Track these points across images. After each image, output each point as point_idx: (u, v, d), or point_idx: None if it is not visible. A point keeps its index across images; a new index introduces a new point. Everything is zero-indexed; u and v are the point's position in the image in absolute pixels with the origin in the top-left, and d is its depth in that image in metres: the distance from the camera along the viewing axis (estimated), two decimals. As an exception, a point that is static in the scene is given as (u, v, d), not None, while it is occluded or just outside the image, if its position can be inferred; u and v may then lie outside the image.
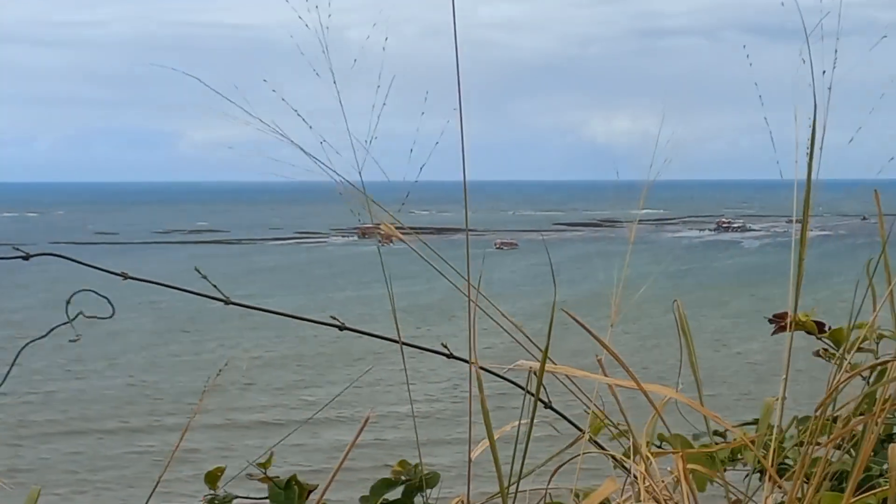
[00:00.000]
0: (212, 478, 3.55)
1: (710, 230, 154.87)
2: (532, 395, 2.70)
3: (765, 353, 49.23)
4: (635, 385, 2.63)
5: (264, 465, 3.50)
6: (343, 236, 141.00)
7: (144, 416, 43.49)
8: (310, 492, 3.47)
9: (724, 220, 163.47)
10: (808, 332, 3.80)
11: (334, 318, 3.40)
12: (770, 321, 3.87)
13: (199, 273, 3.35)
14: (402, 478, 3.56)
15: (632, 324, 55.47)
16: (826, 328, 3.83)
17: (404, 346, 3.25)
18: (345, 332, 3.21)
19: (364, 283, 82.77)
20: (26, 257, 3.11)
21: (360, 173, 3.20)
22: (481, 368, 2.84)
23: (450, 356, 3.36)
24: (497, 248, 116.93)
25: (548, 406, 3.00)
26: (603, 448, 3.00)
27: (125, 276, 3.26)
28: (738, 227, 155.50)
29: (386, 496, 3.53)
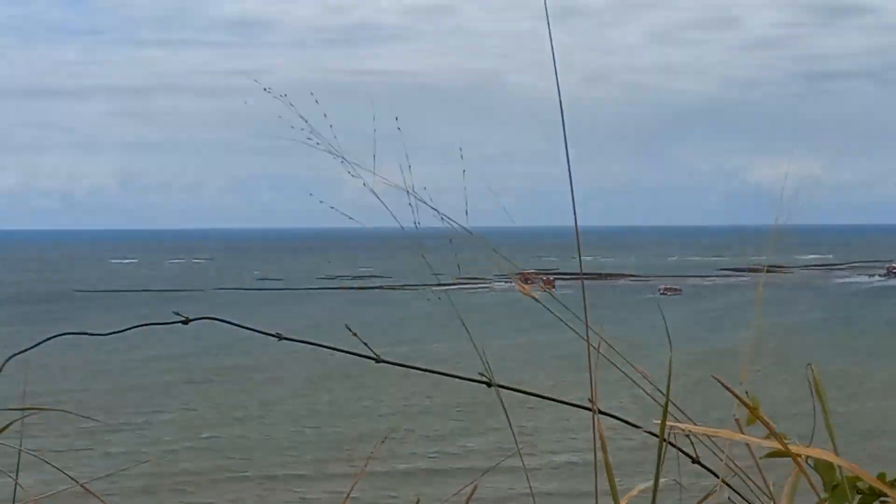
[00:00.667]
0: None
1: (879, 276, 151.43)
2: (677, 448, 2.72)
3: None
4: (778, 444, 2.53)
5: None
6: (505, 282, 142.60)
7: (309, 464, 43.71)
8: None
9: (894, 265, 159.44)
10: None
11: (482, 375, 3.37)
12: None
13: (350, 330, 3.32)
14: None
15: (790, 373, 54.72)
16: None
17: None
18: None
19: (522, 329, 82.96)
20: (186, 322, 3.16)
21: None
22: (604, 414, 2.83)
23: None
24: (661, 294, 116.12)
25: (695, 461, 2.91)
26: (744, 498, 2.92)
27: (280, 337, 3.28)
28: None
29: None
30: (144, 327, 3.31)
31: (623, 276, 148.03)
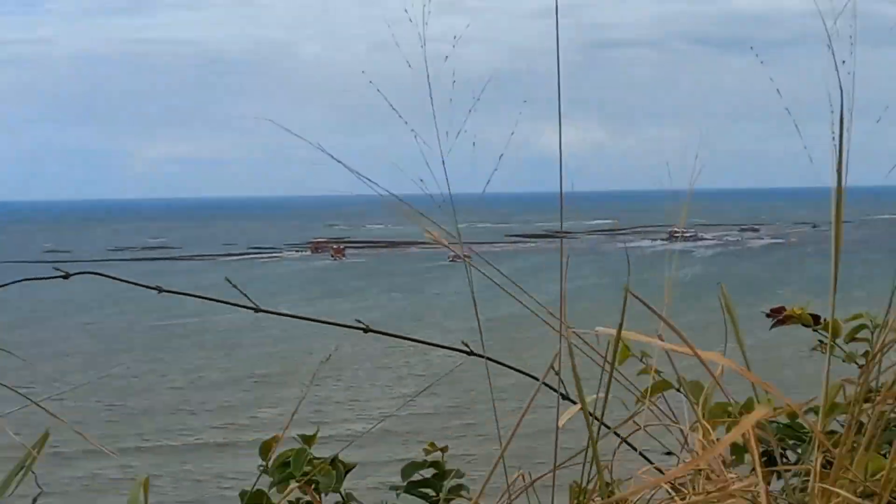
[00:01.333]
0: (266, 448, 3.56)
1: (662, 240, 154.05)
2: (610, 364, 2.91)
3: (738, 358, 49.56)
4: (691, 352, 2.71)
5: (309, 441, 3.53)
6: (296, 251, 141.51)
7: (101, 439, 42.90)
8: (348, 470, 3.54)
9: (675, 229, 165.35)
10: (805, 325, 3.91)
11: (359, 322, 3.48)
12: (767, 315, 3.98)
13: (230, 283, 3.37)
14: (429, 459, 3.65)
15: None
16: (821, 320, 3.93)
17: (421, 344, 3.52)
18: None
19: (312, 299, 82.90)
20: (66, 276, 3.17)
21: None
22: (489, 359, 3.17)
23: (470, 353, 3.51)
24: (450, 261, 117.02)
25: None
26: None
27: (160, 290, 3.30)
28: (691, 237, 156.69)
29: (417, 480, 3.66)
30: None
31: (415, 243, 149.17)
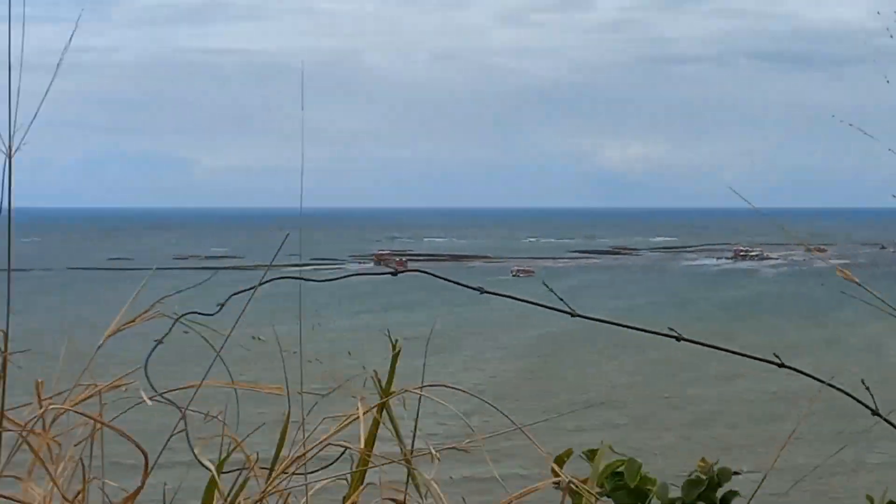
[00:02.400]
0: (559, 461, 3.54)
1: (727, 258, 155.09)
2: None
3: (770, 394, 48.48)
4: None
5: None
6: (359, 262, 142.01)
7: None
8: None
9: (741, 248, 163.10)
10: None
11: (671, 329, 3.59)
12: None
13: (546, 286, 3.50)
14: (704, 475, 3.71)
15: (636, 354, 56.43)
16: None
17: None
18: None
19: (376, 311, 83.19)
20: (395, 273, 3.38)
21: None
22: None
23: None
24: (514, 276, 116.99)
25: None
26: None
27: (482, 291, 3.36)
28: (756, 256, 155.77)
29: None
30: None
31: (477, 257, 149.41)
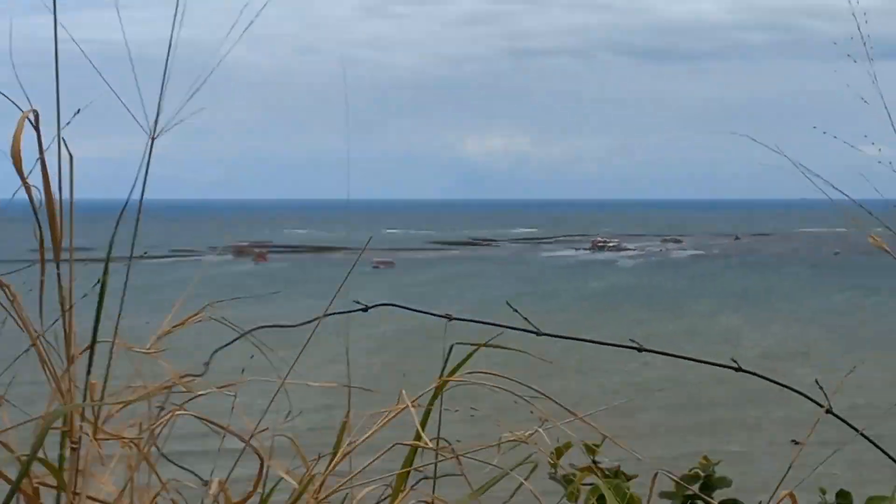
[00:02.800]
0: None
1: (585, 249, 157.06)
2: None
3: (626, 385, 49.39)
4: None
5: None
6: (218, 255, 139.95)
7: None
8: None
9: (599, 239, 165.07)
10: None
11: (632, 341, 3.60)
12: None
13: (511, 307, 3.42)
14: (702, 472, 3.79)
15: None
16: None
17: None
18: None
19: (230, 303, 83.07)
20: (365, 309, 3.29)
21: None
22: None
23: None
24: (374, 268, 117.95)
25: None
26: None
27: (449, 318, 3.31)
28: (613, 247, 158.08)
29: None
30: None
31: (337, 249, 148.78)
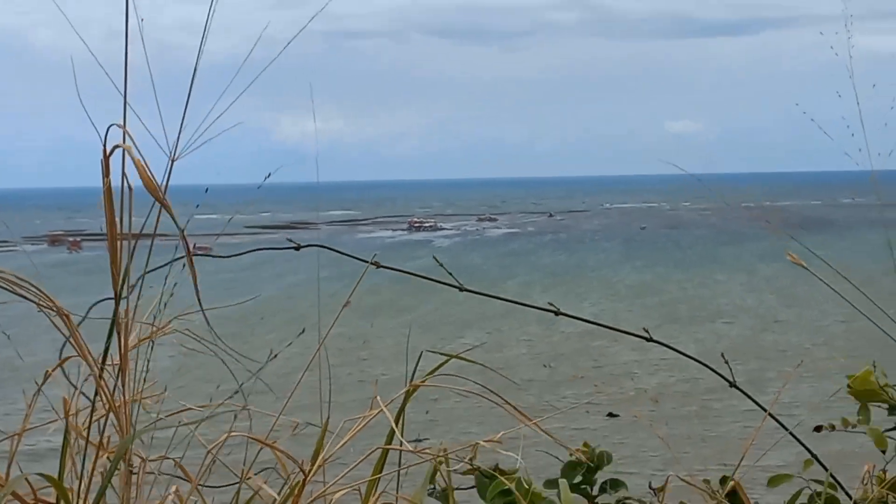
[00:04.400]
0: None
1: (402, 230, 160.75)
2: None
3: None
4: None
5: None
6: (32, 244, 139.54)
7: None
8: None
9: (415, 219, 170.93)
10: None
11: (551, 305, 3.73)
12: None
13: (437, 261, 3.63)
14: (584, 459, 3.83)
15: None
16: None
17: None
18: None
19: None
20: (297, 248, 3.59)
21: None
22: None
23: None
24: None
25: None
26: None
27: (377, 265, 3.48)
28: (430, 227, 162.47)
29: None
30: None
31: (152, 235, 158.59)
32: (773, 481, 3.68)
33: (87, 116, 2.91)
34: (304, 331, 3.44)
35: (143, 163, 2.86)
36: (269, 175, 3.58)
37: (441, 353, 3.29)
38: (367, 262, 3.47)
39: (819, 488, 3.59)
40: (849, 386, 3.83)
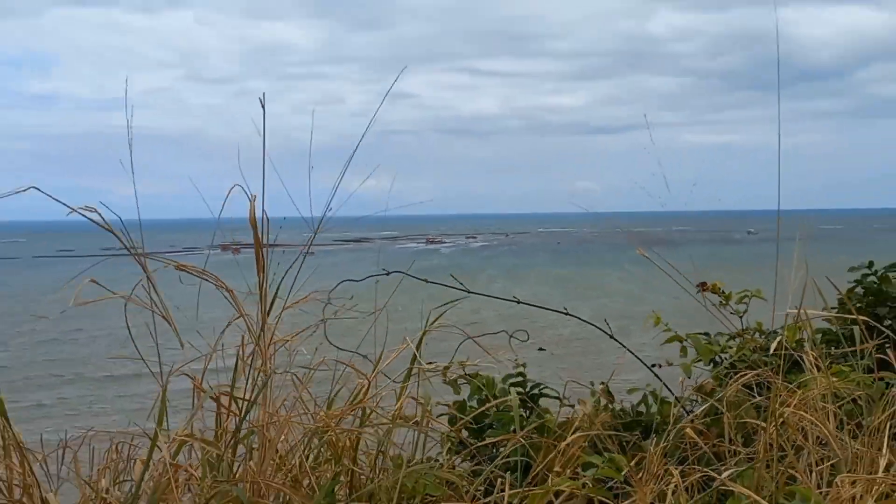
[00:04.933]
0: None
1: (422, 243, 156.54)
2: None
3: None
4: None
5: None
6: (211, 250, 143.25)
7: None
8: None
9: (429, 237, 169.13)
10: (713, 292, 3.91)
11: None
12: (697, 287, 3.90)
13: (454, 279, 3.42)
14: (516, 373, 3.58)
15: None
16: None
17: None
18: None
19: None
20: (387, 273, 3.13)
21: None
22: None
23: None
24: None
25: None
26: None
27: (388, 273, 3.01)
28: (438, 241, 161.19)
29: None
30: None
31: (277, 245, 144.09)
32: (631, 391, 3.68)
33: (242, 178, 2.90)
34: (374, 311, 3.35)
35: (253, 206, 2.84)
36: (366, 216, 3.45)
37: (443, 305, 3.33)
38: (385, 273, 3.33)
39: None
40: (670, 339, 3.88)
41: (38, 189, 2.65)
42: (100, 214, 2.70)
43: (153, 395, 2.87)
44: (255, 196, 2.79)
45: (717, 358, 3.74)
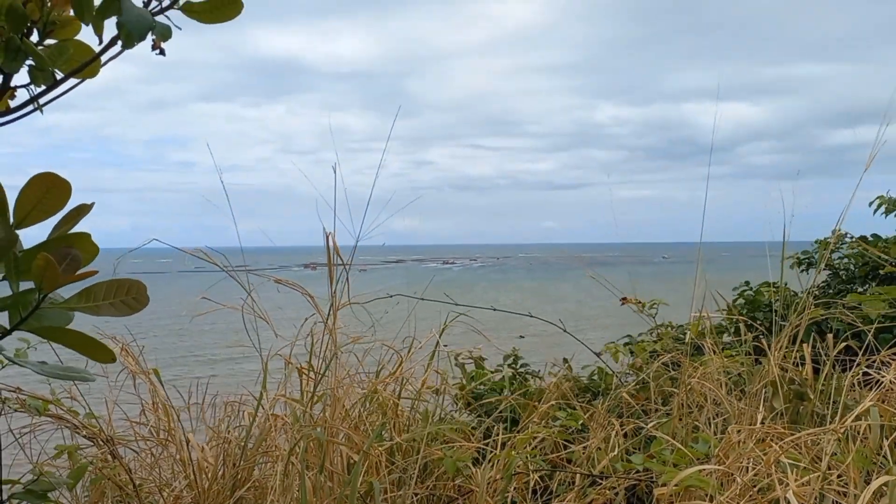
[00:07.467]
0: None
1: (440, 264, 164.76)
2: None
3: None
4: None
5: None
6: (297, 267, 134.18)
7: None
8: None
9: (445, 259, 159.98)
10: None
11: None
12: (621, 301, 3.45)
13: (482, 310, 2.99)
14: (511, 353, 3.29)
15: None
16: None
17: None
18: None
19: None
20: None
21: None
22: None
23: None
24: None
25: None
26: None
27: (391, 296, 2.77)
28: (451, 262, 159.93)
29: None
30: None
31: (343, 264, 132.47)
32: (584, 367, 3.59)
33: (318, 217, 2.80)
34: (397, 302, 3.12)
35: (335, 237, 2.74)
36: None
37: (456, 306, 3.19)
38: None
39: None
40: (607, 347, 3.76)
41: (159, 240, 2.61)
42: (204, 253, 2.65)
43: (254, 372, 2.78)
44: (330, 233, 2.72)
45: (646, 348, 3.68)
